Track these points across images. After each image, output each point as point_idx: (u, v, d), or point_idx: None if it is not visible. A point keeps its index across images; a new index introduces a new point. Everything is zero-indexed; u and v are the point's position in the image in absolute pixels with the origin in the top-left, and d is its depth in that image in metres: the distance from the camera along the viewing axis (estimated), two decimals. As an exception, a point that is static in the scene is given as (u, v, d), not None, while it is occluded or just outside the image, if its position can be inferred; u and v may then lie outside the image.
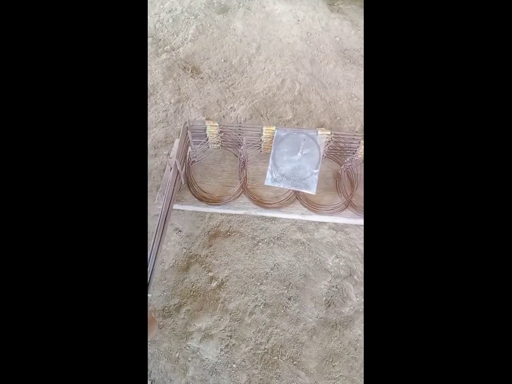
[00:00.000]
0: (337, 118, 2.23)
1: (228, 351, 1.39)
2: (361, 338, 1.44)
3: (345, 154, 1.81)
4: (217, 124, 1.72)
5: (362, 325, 1.47)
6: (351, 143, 1.74)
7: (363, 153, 1.76)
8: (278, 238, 1.70)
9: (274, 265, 1.62)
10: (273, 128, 1.70)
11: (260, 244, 1.68)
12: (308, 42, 2.73)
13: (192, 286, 1.53)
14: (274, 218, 1.75)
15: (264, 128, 1.70)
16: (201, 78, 2.39)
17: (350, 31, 2.86)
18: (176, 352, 1.38)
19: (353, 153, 1.78)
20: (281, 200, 1.74)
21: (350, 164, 1.75)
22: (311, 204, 1.72)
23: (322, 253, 1.67)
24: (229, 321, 1.46)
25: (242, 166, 1.79)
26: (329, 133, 1.68)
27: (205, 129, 1.74)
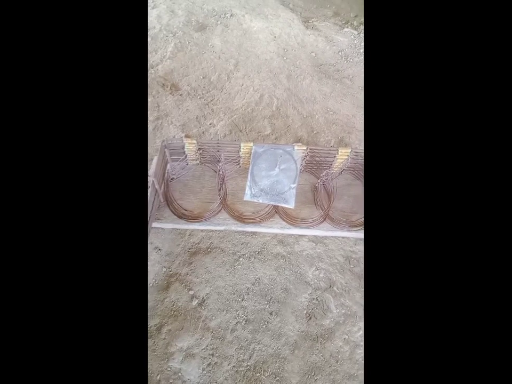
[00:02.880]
0: (314, 132, 2.29)
1: (210, 370, 1.38)
2: (342, 350, 1.46)
3: (321, 168, 1.86)
4: (195, 141, 1.74)
5: (343, 336, 1.50)
6: (327, 157, 1.80)
7: (338, 166, 1.82)
8: (258, 252, 1.72)
9: (256, 280, 1.63)
10: (251, 144, 1.73)
11: (241, 259, 1.69)
12: (285, 58, 2.82)
13: (173, 306, 1.52)
14: (254, 233, 1.77)
15: (242, 144, 1.74)
16: (180, 94, 2.41)
17: (325, 47, 2.97)
18: (157, 375, 1.36)
19: (329, 167, 1.84)
20: (261, 215, 1.77)
21: (326, 178, 1.80)
22: (290, 218, 1.75)
23: (302, 265, 1.69)
24: (211, 340, 1.45)
25: (221, 182, 1.80)
26: (305, 148, 1.73)
27: (183, 147, 1.76)
